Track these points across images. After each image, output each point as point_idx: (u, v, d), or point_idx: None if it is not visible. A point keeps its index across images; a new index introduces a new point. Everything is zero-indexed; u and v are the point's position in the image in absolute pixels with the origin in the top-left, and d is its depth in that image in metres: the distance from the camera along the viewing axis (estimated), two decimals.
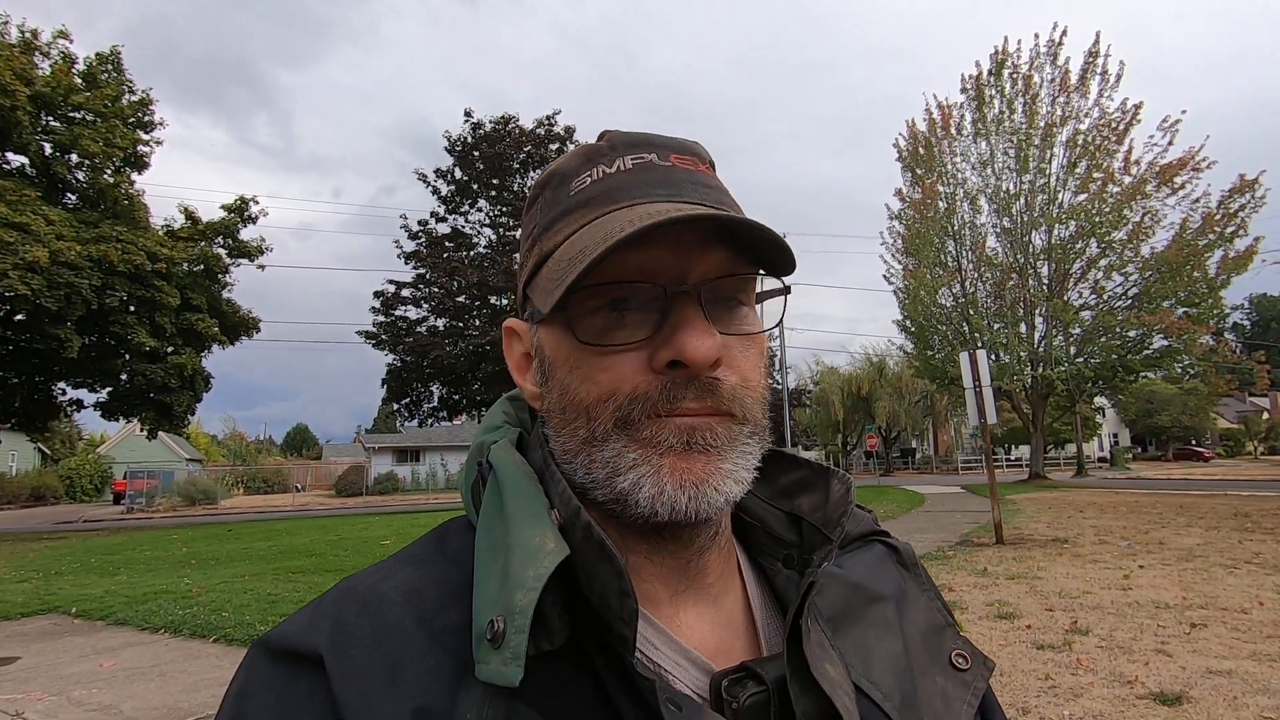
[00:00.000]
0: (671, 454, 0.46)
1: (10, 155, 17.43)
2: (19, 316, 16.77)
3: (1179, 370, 27.66)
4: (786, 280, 0.52)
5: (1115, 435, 56.13)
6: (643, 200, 0.49)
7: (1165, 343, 23.01)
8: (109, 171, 18.60)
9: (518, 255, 0.61)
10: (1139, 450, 55.67)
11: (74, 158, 17.96)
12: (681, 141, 0.55)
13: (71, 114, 17.82)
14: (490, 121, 26.26)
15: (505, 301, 26.15)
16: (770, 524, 0.58)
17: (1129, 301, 23.65)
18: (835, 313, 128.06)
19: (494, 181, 26.50)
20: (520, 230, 0.59)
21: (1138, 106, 23.06)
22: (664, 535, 0.50)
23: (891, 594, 0.60)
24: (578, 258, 0.46)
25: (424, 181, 26.64)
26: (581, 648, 0.46)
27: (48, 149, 17.71)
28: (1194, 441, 52.42)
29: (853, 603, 0.57)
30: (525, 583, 0.43)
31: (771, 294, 0.53)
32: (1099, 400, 40.20)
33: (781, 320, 0.55)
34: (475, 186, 26.64)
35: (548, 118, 26.56)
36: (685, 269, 0.48)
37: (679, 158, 0.53)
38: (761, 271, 0.51)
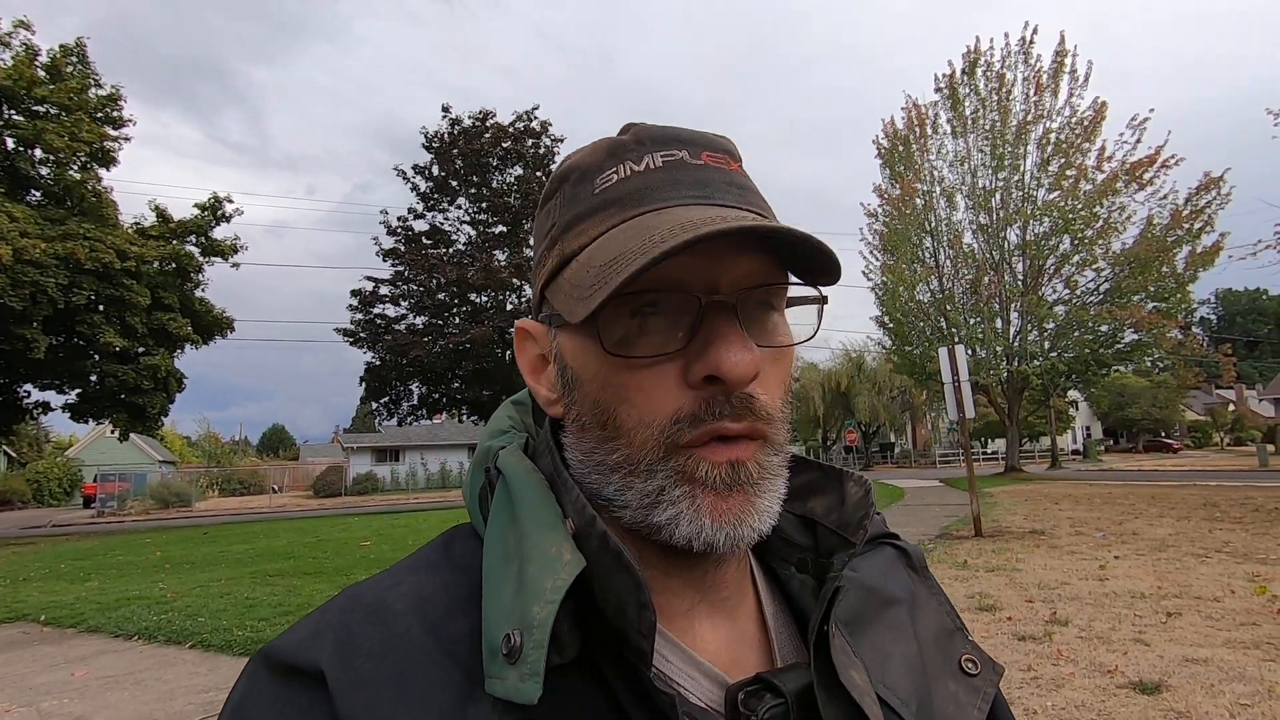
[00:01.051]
0: (713, 492, 0.45)
1: None
2: None
3: (1149, 364, 28.28)
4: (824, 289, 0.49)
5: (1088, 428, 57.27)
6: (675, 202, 0.47)
7: (1136, 337, 23.50)
8: (75, 167, 18.11)
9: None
10: (1111, 442, 56.85)
11: (38, 153, 17.48)
12: (711, 137, 0.52)
13: (35, 107, 17.31)
14: (469, 117, 26.05)
15: (485, 299, 25.96)
16: (782, 527, 0.56)
17: (1101, 297, 24.11)
18: None
19: (473, 178, 26.29)
20: (534, 226, 0.55)
21: (1104, 105, 23.51)
22: (684, 553, 0.48)
23: (904, 597, 0.58)
24: (612, 266, 0.43)
25: (403, 177, 26.41)
26: (592, 661, 0.44)
27: (10, 143, 17.20)
28: (1163, 434, 53.67)
29: (867, 606, 0.56)
30: (543, 594, 0.41)
31: (804, 301, 0.50)
32: (1072, 394, 40.98)
33: (817, 331, 0.51)
34: (454, 184, 26.41)
35: (526, 113, 26.41)
36: (717, 275, 0.45)
37: (710, 155, 0.50)
38: (801, 281, 0.49)
